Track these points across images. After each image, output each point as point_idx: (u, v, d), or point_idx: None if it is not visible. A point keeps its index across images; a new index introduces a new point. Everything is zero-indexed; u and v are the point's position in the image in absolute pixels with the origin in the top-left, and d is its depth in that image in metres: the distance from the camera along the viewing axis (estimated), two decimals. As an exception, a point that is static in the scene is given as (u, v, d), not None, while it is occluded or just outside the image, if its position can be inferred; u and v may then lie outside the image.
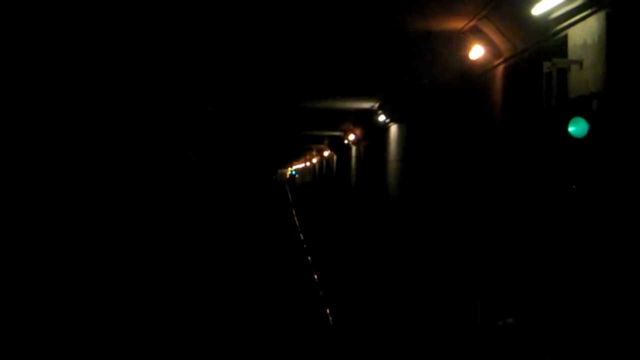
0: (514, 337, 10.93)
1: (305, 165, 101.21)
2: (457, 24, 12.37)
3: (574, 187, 8.88)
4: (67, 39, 11.19)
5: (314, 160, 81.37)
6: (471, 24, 12.10)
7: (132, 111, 14.98)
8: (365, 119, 28.77)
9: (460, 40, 12.98)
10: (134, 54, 14.67)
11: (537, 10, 9.39)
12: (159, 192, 17.67)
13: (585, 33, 8.74)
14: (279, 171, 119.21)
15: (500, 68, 12.13)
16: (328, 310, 18.01)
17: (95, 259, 12.55)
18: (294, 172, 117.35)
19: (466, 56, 12.82)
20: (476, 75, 13.31)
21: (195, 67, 18.20)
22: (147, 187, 16.36)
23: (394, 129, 24.15)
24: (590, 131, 8.29)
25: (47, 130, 10.60)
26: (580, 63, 8.80)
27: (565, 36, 9.29)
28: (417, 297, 17.80)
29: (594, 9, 8.48)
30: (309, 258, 28.42)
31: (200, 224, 24.66)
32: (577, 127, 8.33)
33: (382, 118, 24.53)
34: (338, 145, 46.02)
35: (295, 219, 49.61)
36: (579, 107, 8.41)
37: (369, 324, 16.58)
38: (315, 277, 23.57)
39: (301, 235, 37.78)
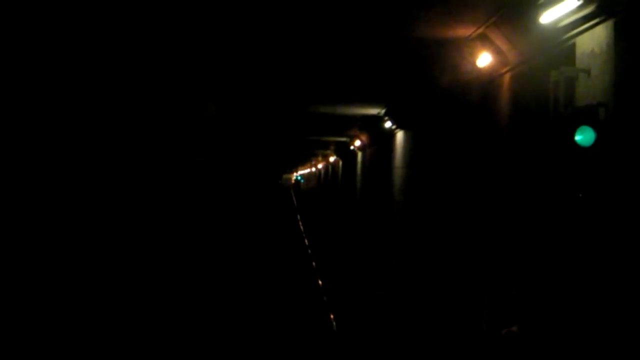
0: (517, 346, 10.91)
1: (311, 171, 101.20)
2: (465, 31, 12.36)
3: (581, 195, 8.87)
4: (74, 41, 11.20)
5: (320, 166, 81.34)
6: (479, 31, 12.09)
7: (141, 114, 15.00)
8: (371, 125, 28.73)
9: (467, 48, 12.97)
10: (142, 58, 14.69)
11: (545, 19, 9.39)
12: (166, 194, 17.67)
13: (593, 42, 8.73)
14: (284, 176, 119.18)
15: (508, 76, 12.13)
16: (332, 316, 18.00)
17: (102, 260, 12.58)
18: (299, 178, 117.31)
19: (473, 64, 12.81)
20: (483, 83, 13.30)
21: (203, 70, 18.21)
22: (154, 189, 16.37)
23: (400, 135, 24.13)
24: (598, 140, 8.28)
25: (54, 134, 10.62)
26: (587, 72, 8.78)
27: (573, 45, 9.28)
28: (422, 303, 17.77)
29: (601, 17, 8.48)
30: (314, 263, 28.41)
31: (205, 227, 24.65)
32: (584, 136, 8.32)
33: (388, 124, 24.47)
34: (344, 151, 45.99)
35: (300, 224, 49.57)
36: (586, 116, 8.40)
37: (372, 330, 16.57)
38: (320, 282, 23.56)
39: (306, 241, 37.76)
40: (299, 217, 56.52)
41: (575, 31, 9.15)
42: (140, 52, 14.38)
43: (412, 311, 17.83)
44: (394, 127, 24.35)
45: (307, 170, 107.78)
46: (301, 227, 46.77)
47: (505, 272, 12.00)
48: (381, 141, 28.73)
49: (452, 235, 15.65)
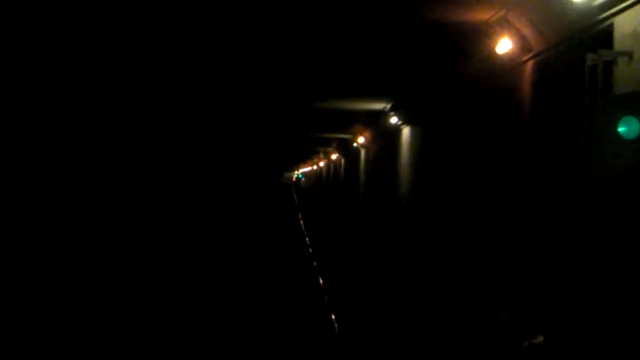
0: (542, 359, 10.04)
1: (312, 169, 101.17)
2: (483, 14, 11.41)
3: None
4: (66, 38, 10.93)
5: (321, 164, 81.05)
6: (499, 14, 11.14)
7: (139, 113, 14.84)
8: (375, 121, 28.35)
9: (485, 33, 12.03)
10: (137, 54, 14.16)
11: (577, -3, 8.49)
12: (166, 193, 17.56)
13: (636, 20, 7.83)
14: (285, 174, 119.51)
15: (530, 63, 11.18)
16: (333, 316, 17.43)
17: (96, 259, 12.37)
18: (300, 176, 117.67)
19: (492, 51, 11.86)
20: (502, 72, 12.35)
21: (200, 65, 17.71)
22: (155, 189, 16.25)
23: (406, 131, 23.46)
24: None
25: (47, 132, 10.50)
26: (629, 55, 7.89)
27: (610, 25, 8.37)
28: (433, 311, 16.90)
29: (647, -8, 7.58)
30: (315, 263, 28.03)
31: (207, 226, 24.40)
32: (628, 127, 7.43)
33: (394, 120, 23.96)
34: (346, 149, 45.53)
35: (302, 222, 49.25)
36: (630, 105, 7.50)
37: (376, 336, 15.85)
38: (321, 281, 23.13)
39: (307, 240, 37.39)
40: (300, 215, 56.19)
41: (613, 10, 8.25)
42: (136, 48, 13.90)
43: (421, 319, 16.98)
44: (400, 122, 23.80)
45: (308, 169, 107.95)
46: (302, 227, 46.38)
47: (529, 278, 11.07)
48: (386, 137, 28.13)
49: (467, 236, 14.78)
